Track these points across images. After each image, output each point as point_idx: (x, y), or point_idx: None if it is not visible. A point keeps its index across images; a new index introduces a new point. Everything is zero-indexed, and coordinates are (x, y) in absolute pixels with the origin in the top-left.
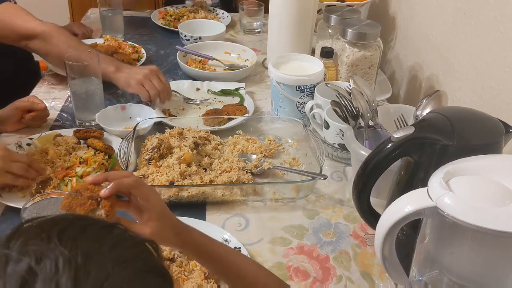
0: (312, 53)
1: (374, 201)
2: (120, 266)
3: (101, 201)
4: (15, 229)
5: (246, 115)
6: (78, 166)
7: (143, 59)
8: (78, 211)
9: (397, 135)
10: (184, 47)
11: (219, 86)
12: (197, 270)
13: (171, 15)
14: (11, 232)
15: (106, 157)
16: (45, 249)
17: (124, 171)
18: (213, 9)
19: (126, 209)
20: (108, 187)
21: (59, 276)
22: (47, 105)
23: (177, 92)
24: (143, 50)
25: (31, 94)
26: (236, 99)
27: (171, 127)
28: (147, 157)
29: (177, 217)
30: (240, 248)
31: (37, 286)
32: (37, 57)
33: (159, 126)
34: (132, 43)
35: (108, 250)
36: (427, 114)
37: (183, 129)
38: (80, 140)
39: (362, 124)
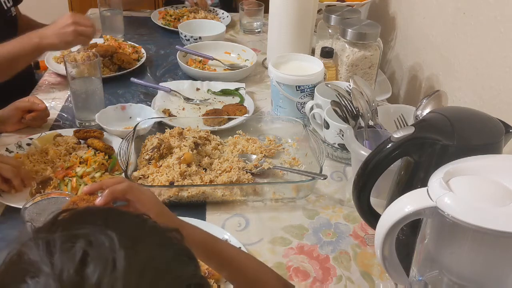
0: (312, 53)
1: (374, 201)
2: (161, 249)
3: None
4: (52, 218)
5: (246, 115)
6: (78, 166)
7: (143, 59)
8: None
9: (397, 135)
10: (184, 47)
11: (219, 86)
12: None
13: (171, 15)
14: (48, 221)
15: (106, 157)
16: (94, 231)
17: (117, 177)
18: (213, 9)
19: None
20: (102, 195)
21: (115, 255)
22: (47, 105)
23: (177, 92)
24: (143, 50)
25: (31, 94)
26: (236, 99)
27: (171, 127)
28: (147, 157)
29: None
30: (240, 248)
31: (92, 265)
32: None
33: (159, 126)
34: (132, 43)
35: (148, 234)
36: (427, 114)
37: (183, 129)
38: (80, 140)
39: (362, 124)
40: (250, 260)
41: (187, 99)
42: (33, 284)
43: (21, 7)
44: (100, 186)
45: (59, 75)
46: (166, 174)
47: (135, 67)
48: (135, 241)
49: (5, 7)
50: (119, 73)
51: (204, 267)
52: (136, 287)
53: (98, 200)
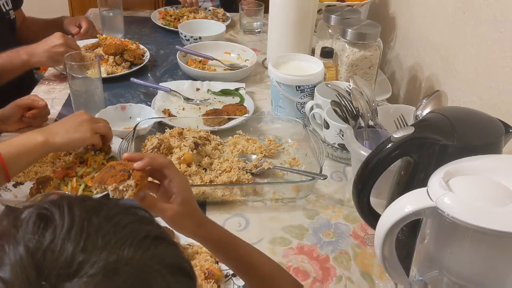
0: (312, 53)
1: (374, 201)
2: (127, 214)
3: (133, 173)
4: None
5: (246, 115)
6: (78, 166)
7: (147, 53)
8: (109, 183)
9: (397, 135)
10: (184, 47)
11: (219, 86)
12: (197, 270)
13: (171, 15)
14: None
15: (107, 156)
16: (57, 199)
17: (158, 154)
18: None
19: (154, 191)
20: (142, 160)
21: (73, 211)
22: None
23: (177, 92)
24: (142, 46)
25: (32, 93)
26: (236, 99)
27: (171, 127)
28: None
29: None
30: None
31: (52, 220)
32: None
33: (159, 126)
34: (131, 41)
35: (114, 205)
36: (427, 114)
37: (183, 129)
38: None
39: (362, 124)
40: (266, 261)
41: (187, 99)
42: (7, 248)
43: (22, 7)
44: (141, 156)
45: (59, 75)
46: None
47: (146, 62)
48: (97, 206)
49: (4, 10)
50: (133, 69)
51: (204, 267)
52: (95, 234)
53: (136, 164)
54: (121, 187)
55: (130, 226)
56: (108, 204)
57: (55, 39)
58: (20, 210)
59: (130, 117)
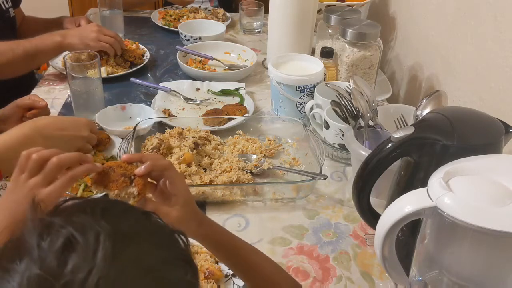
0: (312, 53)
1: (374, 201)
2: (155, 249)
3: (135, 179)
4: (59, 204)
5: (246, 115)
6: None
7: (147, 53)
8: (110, 187)
9: (397, 135)
10: (184, 47)
11: (219, 86)
12: None
13: (171, 15)
14: (55, 206)
15: (107, 156)
16: (88, 221)
17: (157, 154)
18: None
19: (152, 191)
20: (144, 165)
21: (99, 246)
22: None
23: (177, 92)
24: (142, 46)
25: (32, 93)
26: (236, 99)
27: (171, 127)
28: None
29: None
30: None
31: (74, 254)
32: None
33: (159, 126)
34: (131, 41)
35: (148, 232)
36: (427, 114)
37: (183, 129)
38: None
39: (362, 124)
40: (266, 262)
41: (187, 99)
42: (20, 265)
43: (22, 7)
44: (140, 158)
45: (59, 75)
46: None
47: (146, 62)
48: (128, 236)
49: (4, 8)
50: (133, 69)
51: (204, 267)
52: (113, 281)
53: (138, 170)
54: (123, 194)
55: (157, 274)
56: (142, 233)
57: (89, 26)
58: (54, 218)
59: (130, 117)
